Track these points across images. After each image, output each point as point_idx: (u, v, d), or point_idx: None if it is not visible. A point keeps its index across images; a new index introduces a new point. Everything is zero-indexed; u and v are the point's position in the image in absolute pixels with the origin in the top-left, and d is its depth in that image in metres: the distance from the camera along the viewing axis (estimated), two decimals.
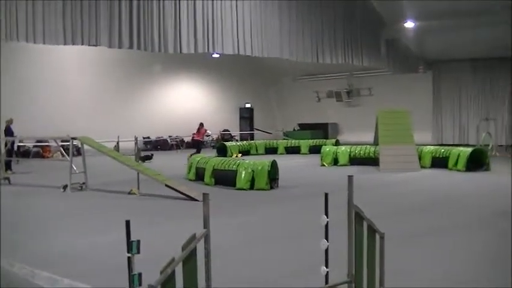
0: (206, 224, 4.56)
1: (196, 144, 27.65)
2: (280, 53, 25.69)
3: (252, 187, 15.65)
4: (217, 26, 22.39)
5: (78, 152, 20.01)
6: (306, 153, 30.53)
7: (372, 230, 5.81)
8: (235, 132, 42.60)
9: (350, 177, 5.52)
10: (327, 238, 5.86)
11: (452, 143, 34.39)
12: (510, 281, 5.53)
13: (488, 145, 27.61)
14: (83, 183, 16.38)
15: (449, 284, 6.71)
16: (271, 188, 15.75)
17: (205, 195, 4.61)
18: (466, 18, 27.87)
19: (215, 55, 33.08)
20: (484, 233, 9.75)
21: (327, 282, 5.94)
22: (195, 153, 23.09)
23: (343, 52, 29.21)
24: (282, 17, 25.48)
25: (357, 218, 5.60)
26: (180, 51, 21.47)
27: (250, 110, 44.90)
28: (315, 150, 28.18)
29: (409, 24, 29.84)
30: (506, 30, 28.77)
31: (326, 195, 5.83)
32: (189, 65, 37.62)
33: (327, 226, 5.82)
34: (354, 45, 29.87)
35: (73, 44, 18.64)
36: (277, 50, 25.48)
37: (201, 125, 27.61)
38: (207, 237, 4.57)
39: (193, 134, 28.31)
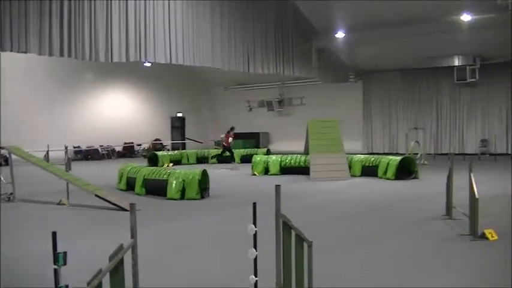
0: (133, 234, 4.53)
1: (227, 149, 28.49)
2: (212, 62, 25.72)
3: (182, 197, 15.60)
4: (149, 34, 22.31)
5: (6, 161, 19.61)
6: (237, 163, 30.59)
7: (300, 239, 5.86)
8: (167, 141, 42.37)
9: (277, 187, 5.56)
10: (255, 247, 5.90)
11: (382, 152, 34.96)
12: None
13: (416, 154, 28.12)
14: (11, 193, 16.05)
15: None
16: (202, 197, 15.71)
17: (131, 205, 4.57)
18: (394, 28, 28.41)
19: (147, 64, 32.93)
20: (410, 238, 9.98)
21: None
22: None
23: (274, 62, 29.41)
24: (213, 26, 25.52)
25: (285, 227, 5.64)
26: (111, 60, 21.29)
27: (182, 119, 44.73)
28: (247, 159, 28.24)
29: (340, 35, 30.23)
30: (432, 41, 29.50)
31: (254, 204, 5.86)
32: (121, 73, 37.36)
33: (255, 235, 5.86)
34: (286, 55, 30.11)
35: (1, 49, 18.29)
36: (209, 59, 25.50)
37: (232, 129, 28.70)
38: (134, 248, 4.54)
39: (223, 138, 28.92)
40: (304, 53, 31.43)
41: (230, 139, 28.16)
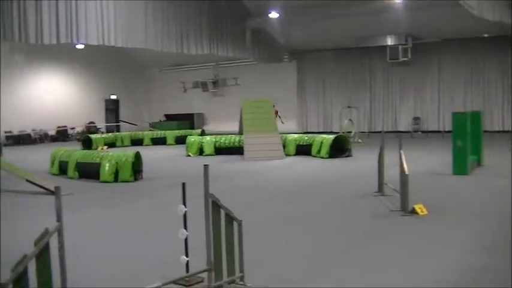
0: (59, 218, 4.47)
1: None
2: (145, 43, 25.49)
3: (116, 179, 15.46)
4: (80, 15, 21.95)
5: None
6: (172, 144, 30.42)
7: (230, 218, 5.89)
8: (101, 124, 41.82)
9: (205, 167, 5.55)
10: (186, 227, 5.90)
11: (317, 131, 35.21)
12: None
13: (350, 132, 28.45)
14: None
15: (305, 265, 6.89)
16: (136, 179, 15.61)
17: (57, 188, 4.50)
18: (328, 9, 28.54)
19: (79, 46, 32.38)
20: (342, 216, 10.11)
21: (187, 271, 5.98)
22: None
23: (208, 42, 29.30)
24: (146, 6, 25.26)
25: (214, 206, 5.64)
26: (42, 42, 20.90)
27: (116, 101, 44.19)
28: (181, 140, 28.10)
29: (274, 15, 30.22)
30: (365, 21, 29.77)
31: (183, 185, 5.87)
32: (53, 55, 36.57)
33: (185, 216, 5.86)
34: (220, 35, 30.01)
35: None
36: (142, 40, 25.28)
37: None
38: (60, 231, 4.48)
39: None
40: (238, 33, 31.38)
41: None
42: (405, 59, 33.32)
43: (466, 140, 14.86)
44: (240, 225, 6.02)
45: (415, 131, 33.35)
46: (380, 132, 30.65)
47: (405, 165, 9.70)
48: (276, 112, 28.81)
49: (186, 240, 5.96)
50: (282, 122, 30.27)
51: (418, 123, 34.59)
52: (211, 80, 42.51)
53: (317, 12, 29.11)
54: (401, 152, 9.97)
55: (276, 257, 7.34)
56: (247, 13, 31.80)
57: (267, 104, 23.10)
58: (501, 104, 33.00)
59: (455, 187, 13.27)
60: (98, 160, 16.09)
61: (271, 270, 6.72)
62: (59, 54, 36.29)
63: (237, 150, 22.19)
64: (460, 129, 14.95)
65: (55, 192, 4.50)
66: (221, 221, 5.78)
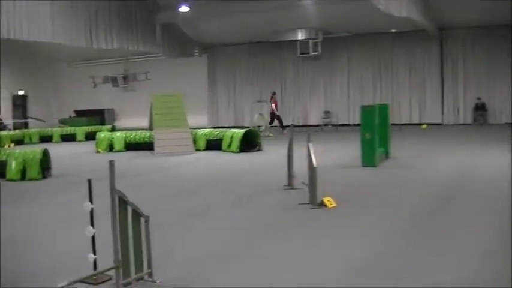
0: None
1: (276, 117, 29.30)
2: (52, 37, 24.96)
3: (23, 177, 15.09)
4: None
5: None
6: (82, 140, 29.96)
7: (137, 214, 5.83)
8: (8, 121, 40.71)
9: (111, 162, 5.47)
10: (92, 225, 5.82)
11: (228, 125, 35.28)
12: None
13: (260, 126, 28.62)
14: None
15: (210, 260, 6.89)
16: (44, 177, 15.27)
17: None
18: (239, 3, 28.59)
19: None
20: (251, 209, 10.19)
21: (95, 269, 5.90)
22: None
23: (118, 37, 28.94)
24: None
25: (121, 202, 5.58)
26: None
27: (24, 97, 43.12)
28: (91, 137, 27.64)
29: (184, 9, 30.04)
30: (276, 15, 29.98)
31: (89, 181, 5.79)
32: None
33: (91, 213, 5.78)
34: (130, 29, 29.70)
35: None
36: (49, 34, 24.73)
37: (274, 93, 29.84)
38: None
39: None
40: (148, 27, 31.12)
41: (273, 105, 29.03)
42: (316, 53, 33.78)
43: (374, 132, 15.15)
44: (147, 221, 5.98)
45: (325, 125, 33.80)
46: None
47: (313, 158, 9.80)
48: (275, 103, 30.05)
49: (93, 237, 5.88)
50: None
51: (329, 116, 35.12)
52: (121, 75, 42.02)
53: (228, 6, 29.11)
54: (310, 145, 10.06)
55: (183, 252, 7.31)
56: (157, 7, 31.53)
57: (177, 99, 22.97)
58: (409, 98, 33.91)
59: (364, 179, 13.50)
60: (4, 157, 15.64)
61: (177, 266, 6.68)
62: None
63: (147, 146, 21.98)
64: (368, 122, 15.23)
65: None
66: (128, 217, 5.72)
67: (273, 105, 30.26)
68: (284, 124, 29.83)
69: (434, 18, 30.03)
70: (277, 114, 30.46)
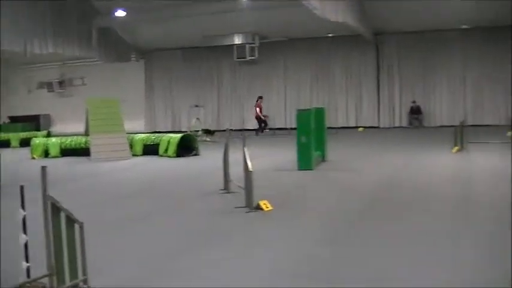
0: None
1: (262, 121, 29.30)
2: None
3: None
4: None
5: None
6: (16, 147, 29.44)
7: (71, 220, 5.77)
8: None
9: (43, 168, 5.40)
10: (25, 232, 5.73)
11: (165, 130, 35.13)
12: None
13: (198, 131, 28.60)
14: None
15: (142, 267, 6.89)
16: None
17: None
18: (175, 8, 28.52)
19: None
20: (187, 214, 10.22)
21: (29, 277, 5.82)
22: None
23: (54, 41, 28.50)
24: None
25: (54, 209, 5.51)
26: None
27: None
28: (27, 143, 27.15)
29: (120, 13, 29.80)
30: (213, 20, 30.02)
31: (21, 187, 5.71)
32: None
33: (24, 220, 5.69)
34: (66, 34, 29.24)
35: None
36: None
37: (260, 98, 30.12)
38: None
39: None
40: (84, 32, 30.74)
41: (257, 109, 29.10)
42: (252, 57, 33.94)
43: (310, 136, 15.29)
44: (81, 227, 5.92)
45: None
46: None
47: (249, 162, 9.85)
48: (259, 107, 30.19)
49: (26, 245, 5.79)
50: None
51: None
52: (57, 80, 41.42)
53: (164, 11, 29.02)
54: (245, 149, 10.11)
55: (117, 258, 7.30)
56: (94, 11, 31.18)
57: (112, 104, 22.77)
58: (345, 101, 34.29)
59: (300, 182, 13.64)
60: None
61: (112, 272, 6.68)
62: None
63: (84, 151, 21.67)
64: (304, 126, 15.37)
65: None
66: (62, 223, 5.66)
67: (258, 109, 30.30)
68: (223, 129, 29.81)
69: (370, 24, 30.50)
70: (263, 118, 30.67)
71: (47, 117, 42.39)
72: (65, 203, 5.64)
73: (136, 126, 33.10)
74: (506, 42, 29.67)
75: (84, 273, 5.93)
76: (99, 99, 24.16)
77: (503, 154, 16.64)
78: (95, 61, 36.01)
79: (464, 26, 31.11)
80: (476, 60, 31.78)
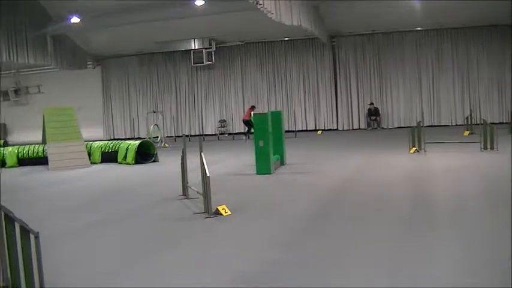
0: None
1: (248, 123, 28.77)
2: None
3: None
4: None
5: None
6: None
7: (25, 231, 5.70)
8: None
9: None
10: None
11: (124, 137, 34.97)
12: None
13: (157, 137, 28.49)
14: None
15: (103, 274, 6.85)
16: None
17: None
18: (130, 14, 28.34)
19: None
20: (145, 220, 10.18)
21: None
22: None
23: (6, 49, 28.14)
24: None
25: (7, 219, 5.45)
26: None
27: None
28: None
29: (75, 20, 29.51)
30: (168, 25, 29.97)
31: None
32: None
33: None
34: (19, 42, 28.89)
35: None
36: None
37: (253, 107, 29.81)
38: None
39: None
40: (39, 39, 30.41)
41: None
42: (209, 62, 34.05)
43: (268, 140, 15.32)
44: (37, 237, 5.85)
45: (221, 134, 34.00)
46: (187, 136, 31.13)
47: (206, 168, 9.84)
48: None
49: None
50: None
51: (225, 125, 35.31)
52: (12, 88, 40.89)
53: (119, 17, 28.80)
54: (202, 154, 10.10)
55: (75, 267, 7.25)
56: (48, 18, 30.84)
57: (68, 112, 22.51)
58: (303, 104, 34.43)
59: (259, 186, 13.68)
60: None
61: (70, 281, 6.63)
62: None
63: (42, 160, 21.42)
64: (261, 130, 15.41)
65: None
66: (16, 234, 5.59)
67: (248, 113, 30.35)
68: (181, 135, 29.80)
69: (326, 26, 30.72)
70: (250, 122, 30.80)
71: (3, 126, 41.82)
72: (19, 213, 5.58)
73: (95, 134, 32.85)
74: (460, 43, 30.31)
75: (41, 284, 5.87)
76: (55, 107, 23.86)
77: (458, 153, 17.01)
78: (52, 69, 35.68)
79: (418, 28, 31.52)
80: (431, 60, 32.20)
